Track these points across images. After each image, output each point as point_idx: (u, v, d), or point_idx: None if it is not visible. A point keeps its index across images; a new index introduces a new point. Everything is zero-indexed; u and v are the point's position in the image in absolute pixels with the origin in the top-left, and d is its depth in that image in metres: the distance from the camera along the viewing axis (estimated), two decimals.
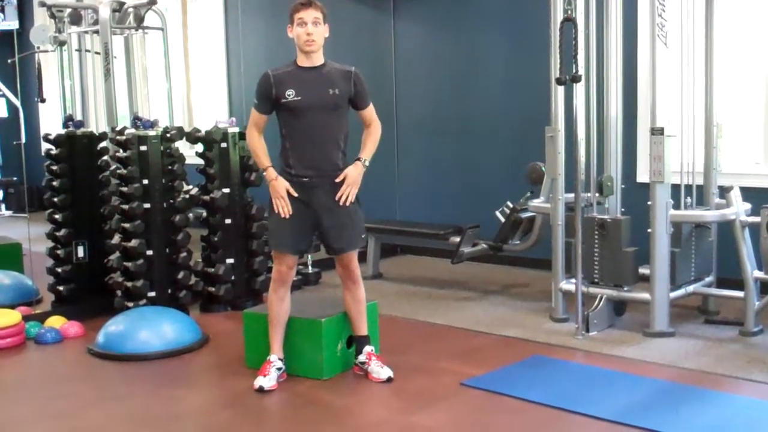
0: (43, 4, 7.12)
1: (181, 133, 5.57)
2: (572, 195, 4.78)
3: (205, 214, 5.58)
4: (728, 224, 4.74)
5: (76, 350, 4.76)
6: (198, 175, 5.65)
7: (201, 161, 5.59)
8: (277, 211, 3.98)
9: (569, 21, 4.51)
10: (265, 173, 4.01)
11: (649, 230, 4.59)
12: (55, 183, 5.57)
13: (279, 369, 4.05)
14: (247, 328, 4.32)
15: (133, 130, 5.30)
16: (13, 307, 5.20)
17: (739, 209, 4.69)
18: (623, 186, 4.97)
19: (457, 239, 5.87)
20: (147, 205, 5.22)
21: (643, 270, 4.75)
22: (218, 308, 5.49)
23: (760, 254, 4.58)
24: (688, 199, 4.85)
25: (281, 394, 3.97)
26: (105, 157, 5.70)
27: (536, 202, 5.36)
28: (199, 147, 5.60)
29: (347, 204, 3.99)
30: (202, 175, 5.58)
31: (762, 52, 5.48)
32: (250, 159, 5.36)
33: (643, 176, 5.60)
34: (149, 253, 5.21)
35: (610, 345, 4.50)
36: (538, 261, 6.00)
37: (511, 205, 5.69)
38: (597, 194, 4.87)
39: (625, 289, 4.76)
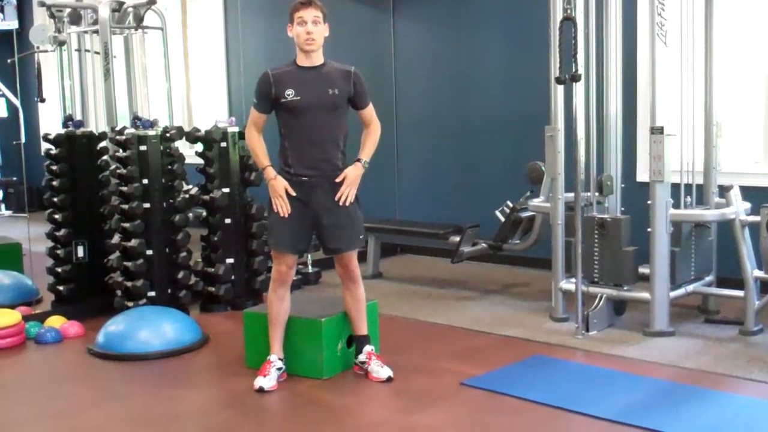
0: (42, 4, 7.11)
1: (180, 132, 5.56)
2: (572, 194, 4.78)
3: (204, 213, 5.58)
4: (728, 223, 4.74)
5: (76, 350, 4.76)
6: (198, 175, 5.64)
7: (201, 161, 5.59)
8: (276, 211, 3.98)
9: (569, 20, 4.51)
10: (264, 172, 4.01)
11: (648, 229, 4.59)
12: (54, 183, 5.57)
13: (279, 369, 4.05)
14: (247, 328, 4.32)
15: (132, 130, 5.30)
16: (13, 307, 5.20)
17: (738, 208, 4.69)
18: (623, 185, 4.97)
19: (457, 239, 5.87)
20: (147, 205, 5.22)
21: (643, 269, 4.75)
22: (218, 308, 5.49)
23: (760, 253, 4.58)
24: (688, 199, 4.85)
25: (281, 394, 3.97)
26: (105, 157, 5.70)
27: (536, 202, 5.36)
28: (199, 146, 5.60)
29: (347, 204, 3.99)
30: (202, 174, 5.58)
31: (761, 51, 5.48)
32: (250, 158, 5.36)
33: (642, 175, 5.60)
34: (149, 252, 5.21)
35: (610, 344, 4.50)
36: (538, 260, 6.00)
37: (510, 205, 5.69)
38: (597, 193, 4.87)
39: (625, 288, 4.76)
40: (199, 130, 5.65)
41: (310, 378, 4.12)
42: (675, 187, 4.71)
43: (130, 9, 7.05)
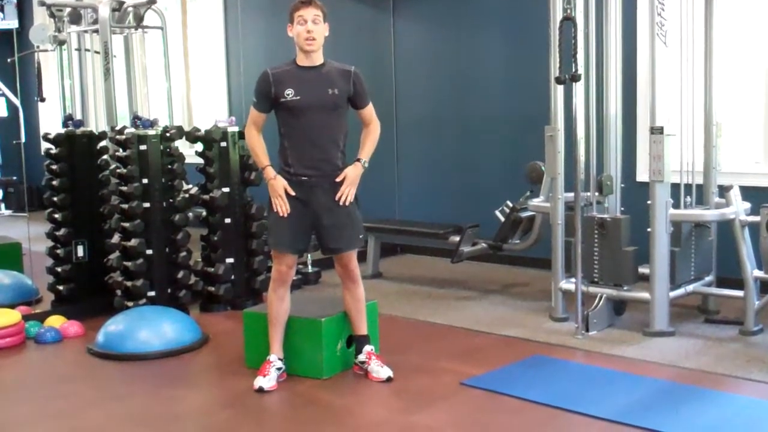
0: (42, 4, 7.10)
1: (180, 132, 5.56)
2: (572, 194, 4.77)
3: (204, 213, 5.58)
4: (728, 223, 4.74)
5: (76, 350, 4.76)
6: (198, 175, 5.64)
7: (201, 160, 5.59)
8: (275, 210, 3.98)
9: (569, 20, 4.51)
10: (263, 172, 4.01)
11: (648, 229, 4.59)
12: (54, 182, 5.56)
13: (279, 369, 4.04)
14: (246, 328, 4.32)
15: (132, 130, 5.30)
16: (12, 306, 5.20)
17: (738, 208, 4.69)
18: (623, 185, 4.97)
19: (457, 238, 5.87)
20: (147, 205, 5.22)
21: (643, 269, 4.75)
22: (218, 308, 5.49)
23: (760, 253, 4.58)
24: (688, 199, 4.85)
25: (281, 394, 3.97)
26: (105, 157, 5.70)
27: (536, 202, 5.36)
28: (199, 146, 5.60)
29: (346, 204, 3.99)
30: (202, 174, 5.58)
31: (761, 51, 5.47)
32: (250, 158, 5.36)
33: (642, 175, 5.60)
34: (149, 252, 5.21)
35: (609, 344, 4.50)
36: (537, 260, 6.00)
37: (510, 205, 5.69)
38: (597, 193, 4.87)
39: (625, 288, 4.76)
40: (199, 130, 5.65)
41: (309, 378, 4.12)
42: (675, 187, 4.71)
43: (130, 8, 7.05)
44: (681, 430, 3.40)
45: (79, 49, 7.45)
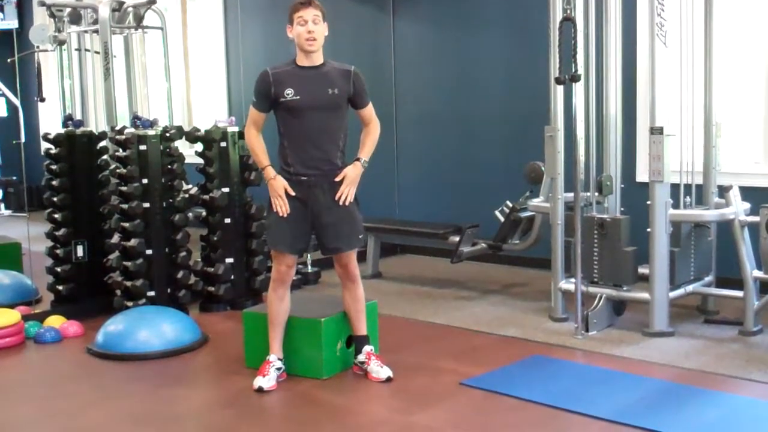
0: (42, 4, 7.10)
1: (180, 132, 5.56)
2: (571, 194, 4.78)
3: (204, 213, 5.58)
4: (727, 224, 4.74)
5: (76, 350, 4.76)
6: (197, 175, 5.64)
7: (200, 160, 5.59)
8: (275, 210, 3.98)
9: (568, 20, 4.51)
10: (263, 172, 4.01)
11: (648, 230, 4.59)
12: (54, 182, 5.57)
13: (278, 369, 4.05)
14: (246, 328, 4.32)
15: (132, 130, 5.30)
16: (12, 306, 5.20)
17: (738, 209, 4.69)
18: (622, 185, 4.97)
19: (457, 238, 5.87)
20: (146, 205, 5.22)
21: (643, 269, 4.75)
22: (218, 308, 5.49)
23: (760, 254, 4.58)
24: (688, 199, 4.85)
25: (281, 394, 3.97)
26: (104, 157, 5.70)
27: (535, 202, 5.36)
28: (199, 146, 5.60)
29: (346, 203, 3.99)
30: (202, 174, 5.58)
31: (761, 51, 5.48)
32: (250, 158, 5.37)
33: (642, 175, 5.60)
34: (149, 252, 5.21)
35: (609, 345, 4.50)
36: (537, 260, 6.00)
37: (510, 205, 5.70)
38: (596, 193, 4.87)
39: (625, 288, 4.76)
40: (198, 130, 5.65)
41: (309, 378, 4.12)
42: (674, 187, 4.72)
43: (130, 9, 7.05)
44: (680, 429, 3.40)
45: (79, 49, 7.45)
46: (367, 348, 4.15)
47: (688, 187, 4.86)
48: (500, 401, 3.78)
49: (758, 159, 5.54)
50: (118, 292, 5.23)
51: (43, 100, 7.68)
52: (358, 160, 4.03)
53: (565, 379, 4.06)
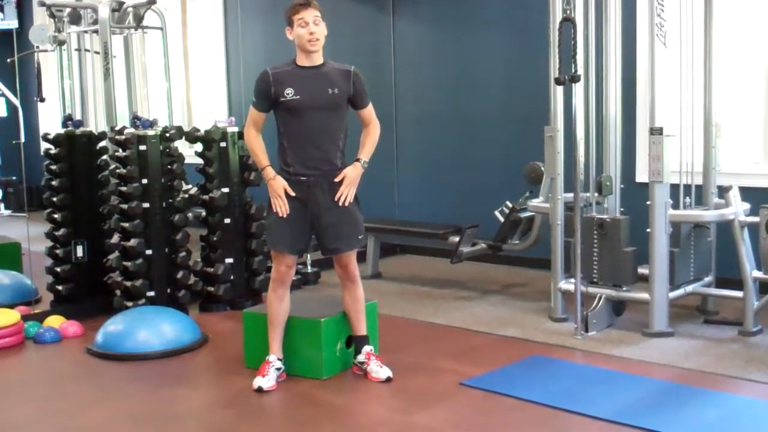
0: (42, 4, 7.10)
1: (180, 132, 5.56)
2: (571, 195, 4.78)
3: (204, 213, 5.58)
4: (727, 224, 4.74)
5: (75, 350, 4.76)
6: (197, 175, 5.64)
7: (200, 160, 5.59)
8: (275, 211, 3.98)
9: (568, 21, 4.51)
10: (263, 172, 4.01)
11: (648, 230, 4.59)
12: (54, 182, 5.57)
13: (278, 369, 4.04)
14: (246, 328, 4.32)
15: (132, 130, 5.30)
16: (12, 306, 5.20)
17: (738, 209, 4.69)
18: (622, 186, 4.97)
19: (457, 239, 5.87)
20: (146, 205, 5.22)
21: (642, 270, 4.75)
22: (217, 308, 5.49)
23: (759, 254, 4.58)
24: (687, 199, 4.85)
25: (280, 394, 3.97)
26: (104, 157, 5.70)
27: (535, 202, 5.36)
28: (199, 146, 5.60)
29: (346, 204, 3.99)
30: (202, 174, 5.58)
31: (761, 52, 5.48)
32: (250, 158, 5.37)
33: (642, 176, 5.60)
34: (148, 252, 5.21)
35: (609, 345, 4.50)
36: (537, 261, 6.00)
37: (510, 205, 5.70)
38: (596, 194, 4.87)
39: (624, 288, 4.76)
40: (198, 130, 5.65)
41: (309, 378, 4.12)
42: (674, 187, 4.72)
43: (130, 9, 7.05)
44: (680, 430, 3.40)
45: (78, 50, 7.45)
46: (366, 348, 4.15)
47: (687, 187, 4.87)
48: (500, 401, 3.78)
49: (758, 159, 5.54)
50: (118, 292, 5.23)
51: (42, 100, 7.68)
52: (357, 160, 4.02)
53: (565, 379, 4.06)
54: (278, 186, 3.95)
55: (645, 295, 4.65)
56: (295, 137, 3.96)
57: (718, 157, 5.00)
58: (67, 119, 5.90)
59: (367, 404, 3.91)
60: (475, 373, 4.11)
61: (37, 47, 7.39)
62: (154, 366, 4.46)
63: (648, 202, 4.58)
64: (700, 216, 4.83)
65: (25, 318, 5.02)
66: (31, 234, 5.75)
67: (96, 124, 7.32)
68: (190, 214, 5.50)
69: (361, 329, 4.18)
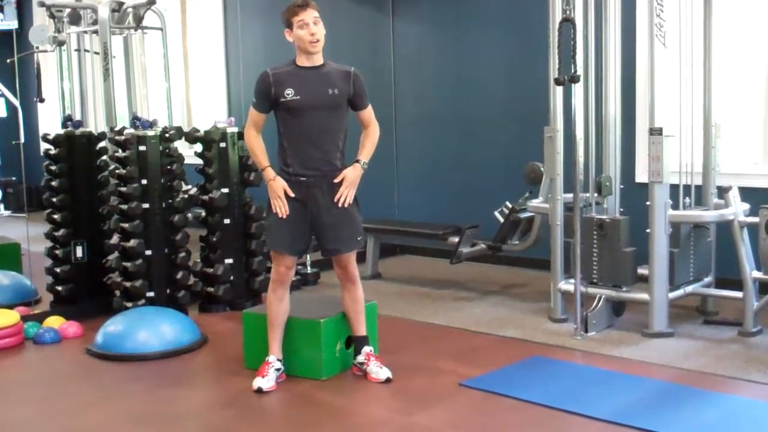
0: (42, 4, 7.11)
1: (180, 132, 5.56)
2: (571, 195, 4.78)
3: (204, 214, 5.58)
4: (727, 224, 4.74)
5: (75, 350, 4.76)
6: (197, 175, 5.64)
7: (200, 161, 5.59)
8: (275, 212, 3.98)
9: (568, 21, 4.51)
10: (263, 173, 4.01)
11: (647, 230, 4.59)
12: (53, 183, 5.56)
13: (278, 370, 4.04)
14: (246, 329, 4.32)
15: (132, 130, 5.30)
16: (11, 307, 5.20)
17: (737, 209, 4.69)
18: (622, 186, 4.97)
19: (456, 239, 5.87)
20: (146, 205, 5.22)
21: (642, 270, 4.75)
22: (217, 308, 5.49)
23: (759, 254, 4.58)
24: (687, 200, 4.85)
25: (280, 395, 3.97)
26: (104, 157, 5.70)
27: (535, 202, 5.36)
28: (198, 147, 5.60)
29: (345, 205, 3.99)
30: (201, 175, 5.58)
31: (760, 52, 5.48)
32: (249, 159, 5.37)
33: (641, 176, 5.60)
34: (148, 253, 5.21)
35: (608, 345, 4.50)
36: (536, 261, 6.00)
37: (509, 205, 5.70)
38: (596, 194, 4.87)
39: (624, 289, 4.76)
40: (198, 131, 5.65)
41: (308, 379, 4.12)
42: (674, 188, 4.72)
43: (130, 9, 7.05)
44: (680, 430, 3.40)
45: (78, 50, 7.45)
46: (366, 349, 4.15)
47: (687, 187, 4.87)
48: (500, 402, 3.78)
49: (757, 160, 5.54)
50: (118, 292, 5.22)
51: (42, 100, 7.68)
52: (357, 161, 4.02)
53: (565, 379, 4.06)
54: (278, 187, 3.95)
55: (645, 296, 4.65)
56: (295, 137, 3.96)
57: (717, 158, 5.00)
58: (67, 120, 5.90)
59: (366, 405, 3.91)
60: (475, 373, 4.11)
61: (37, 48, 7.39)
62: (154, 366, 4.46)
63: (648, 203, 4.58)
64: (700, 216, 4.83)
65: (24, 318, 5.02)
66: (30, 234, 5.75)
67: (96, 124, 7.33)
68: (189, 215, 5.51)
69: (361, 330, 4.18)
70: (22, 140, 5.79)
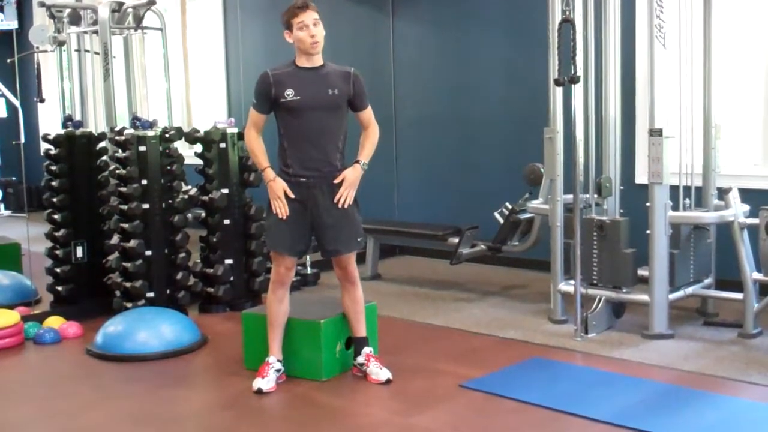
0: (42, 4, 7.11)
1: (180, 133, 5.57)
2: (571, 196, 4.78)
3: (203, 214, 5.58)
4: (727, 226, 4.74)
5: (75, 351, 4.76)
6: (197, 176, 5.64)
7: (200, 161, 5.59)
8: (275, 212, 3.98)
9: (567, 22, 4.51)
10: (263, 174, 4.01)
11: (647, 232, 4.59)
12: (54, 183, 5.56)
13: (278, 371, 4.04)
14: (246, 329, 4.32)
15: (132, 131, 5.30)
16: (11, 307, 5.20)
17: (737, 211, 4.69)
18: (622, 187, 4.98)
19: (456, 240, 5.87)
20: (146, 206, 5.22)
21: (642, 271, 4.75)
22: (217, 309, 5.49)
23: (759, 256, 4.58)
24: (687, 201, 4.85)
25: (280, 396, 3.97)
26: (104, 158, 5.70)
27: (535, 203, 5.36)
28: (198, 147, 5.60)
29: (345, 206, 3.99)
30: (201, 175, 5.58)
31: (760, 53, 5.48)
32: (249, 159, 5.36)
33: (641, 177, 5.60)
34: (148, 253, 5.21)
35: (608, 347, 4.50)
36: (536, 262, 6.00)
37: (509, 206, 5.70)
38: (596, 195, 4.87)
39: (624, 290, 4.76)
40: (198, 131, 5.65)
41: (308, 379, 4.12)
42: (674, 189, 4.72)
43: (130, 9, 7.06)
44: None
45: (78, 50, 7.46)
46: (366, 350, 4.15)
47: (687, 189, 4.87)
48: (499, 403, 3.78)
49: (757, 161, 5.54)
50: (118, 293, 5.22)
51: (42, 100, 7.69)
52: (357, 162, 4.02)
53: (565, 381, 4.06)
54: (278, 188, 3.95)
55: (645, 297, 4.65)
56: (295, 138, 3.96)
57: (717, 159, 5.00)
58: (67, 120, 5.90)
59: (366, 406, 3.91)
60: (475, 374, 4.11)
61: (37, 48, 7.39)
62: (154, 367, 4.46)
63: (647, 204, 4.58)
64: (700, 218, 4.83)
65: (24, 319, 5.02)
66: (31, 234, 5.75)
67: (96, 124, 7.33)
68: (189, 215, 5.51)
69: (361, 331, 4.18)
70: (23, 140, 5.79)
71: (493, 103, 6.70)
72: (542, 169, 5.27)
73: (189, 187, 5.96)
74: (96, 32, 7.01)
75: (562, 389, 3.91)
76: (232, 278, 5.49)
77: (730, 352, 4.38)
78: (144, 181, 5.22)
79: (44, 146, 5.67)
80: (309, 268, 6.21)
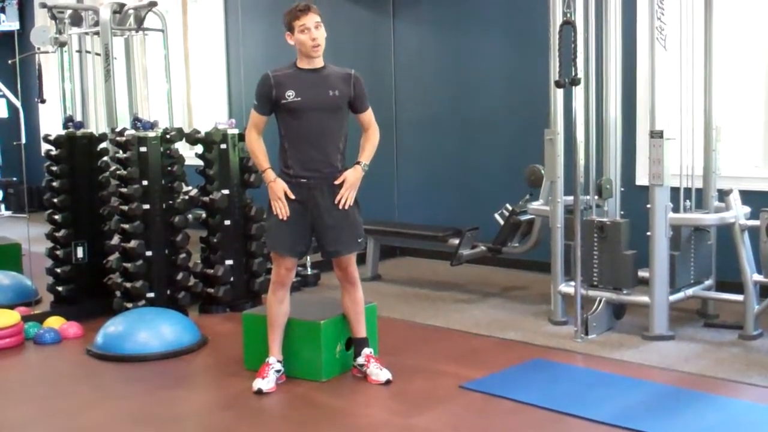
0: (44, 6, 7.12)
1: (180, 134, 5.57)
2: (571, 198, 4.78)
3: (204, 215, 5.58)
4: (727, 227, 4.74)
5: (75, 351, 4.76)
6: (197, 177, 5.65)
7: (200, 162, 5.59)
8: (275, 213, 3.98)
9: (568, 24, 4.52)
10: (263, 175, 4.01)
11: (648, 233, 4.59)
12: (54, 184, 5.57)
13: (278, 371, 4.04)
14: (246, 330, 4.32)
15: (132, 131, 5.30)
16: (12, 307, 5.20)
17: (738, 212, 4.69)
18: (622, 189, 4.97)
19: (456, 241, 5.87)
20: (146, 206, 5.22)
21: (643, 273, 4.75)
22: (217, 309, 5.49)
23: (760, 257, 4.58)
24: (688, 203, 4.85)
25: (280, 396, 3.97)
26: (105, 158, 5.70)
27: (535, 205, 5.36)
28: (199, 148, 5.60)
29: (346, 207, 3.99)
30: (202, 176, 5.58)
31: (761, 55, 5.48)
32: (250, 160, 5.37)
33: (642, 179, 5.60)
34: (148, 254, 5.21)
35: (609, 348, 4.50)
36: (537, 263, 6.00)
37: (510, 208, 5.69)
38: (596, 197, 4.87)
39: (625, 292, 4.76)
40: (199, 132, 5.66)
41: (308, 380, 4.12)
42: (674, 190, 4.72)
43: (131, 11, 7.07)
44: None
45: (79, 51, 7.46)
46: (366, 350, 4.15)
47: (688, 190, 4.87)
48: (500, 404, 3.78)
49: (758, 163, 5.54)
50: (118, 293, 5.23)
51: (43, 101, 7.70)
52: (358, 163, 4.03)
53: (565, 382, 4.06)
54: (278, 189, 3.95)
55: (645, 299, 4.65)
56: (296, 139, 3.97)
57: (718, 161, 5.00)
58: (68, 120, 5.91)
59: (366, 407, 3.91)
60: (475, 376, 4.11)
61: (38, 49, 7.40)
62: (154, 367, 4.46)
63: (648, 206, 4.58)
64: (701, 219, 4.83)
65: (25, 319, 5.02)
66: (31, 235, 5.75)
67: (97, 125, 7.34)
68: (190, 216, 5.50)
69: (361, 331, 4.18)
70: (23, 141, 5.79)
71: (494, 105, 6.71)
72: (543, 171, 5.27)
73: (189, 187, 5.95)
74: (97, 33, 7.02)
75: (562, 390, 3.91)
76: (232, 279, 5.50)
77: (731, 353, 4.38)
78: (145, 182, 5.22)
79: (45, 147, 5.68)
80: (309, 269, 6.21)
